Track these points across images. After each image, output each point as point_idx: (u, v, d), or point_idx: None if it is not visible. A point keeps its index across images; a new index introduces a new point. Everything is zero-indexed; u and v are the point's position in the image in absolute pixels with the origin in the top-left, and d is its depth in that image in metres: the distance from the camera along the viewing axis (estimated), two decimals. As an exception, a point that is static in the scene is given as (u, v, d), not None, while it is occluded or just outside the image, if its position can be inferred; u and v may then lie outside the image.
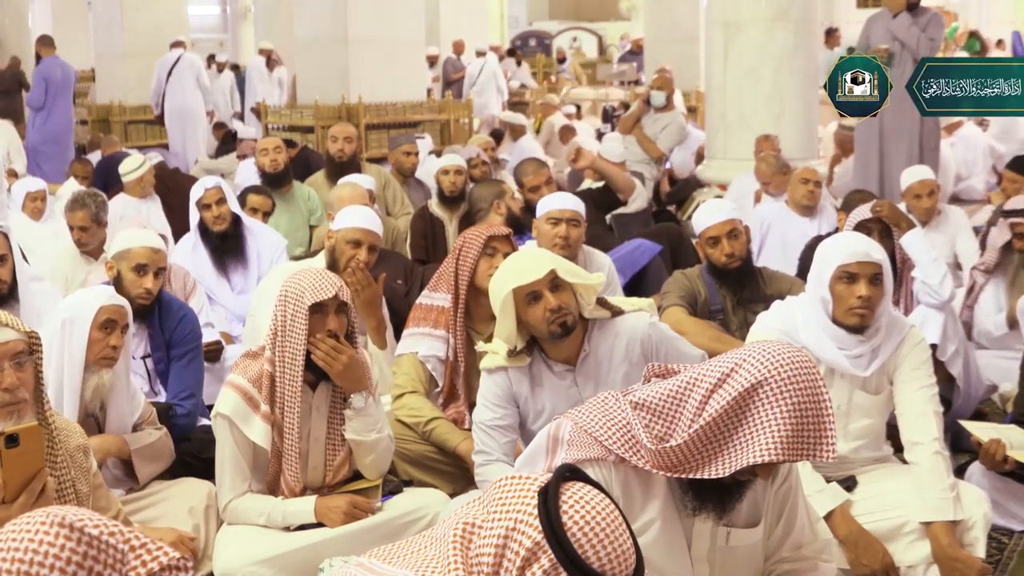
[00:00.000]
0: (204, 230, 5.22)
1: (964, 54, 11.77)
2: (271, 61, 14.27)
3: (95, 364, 3.14)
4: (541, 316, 2.96)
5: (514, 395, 3.16)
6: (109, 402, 3.20)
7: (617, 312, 3.13)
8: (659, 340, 3.14)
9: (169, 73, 11.62)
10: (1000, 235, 4.68)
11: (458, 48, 15.49)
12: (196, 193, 5.25)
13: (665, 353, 3.12)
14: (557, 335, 2.99)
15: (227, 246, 5.21)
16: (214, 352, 4.49)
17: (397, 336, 4.11)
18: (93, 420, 3.21)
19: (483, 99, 13.40)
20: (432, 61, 15.29)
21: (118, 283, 3.81)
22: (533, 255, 3.09)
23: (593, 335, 3.10)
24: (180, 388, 3.77)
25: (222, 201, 5.20)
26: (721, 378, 2.13)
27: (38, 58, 10.79)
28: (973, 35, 13.34)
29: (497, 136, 10.46)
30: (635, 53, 16.63)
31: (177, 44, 11.95)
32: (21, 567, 1.47)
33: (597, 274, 3.18)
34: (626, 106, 12.83)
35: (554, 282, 2.95)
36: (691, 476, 2.15)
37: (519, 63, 18.12)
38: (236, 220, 5.27)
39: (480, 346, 3.32)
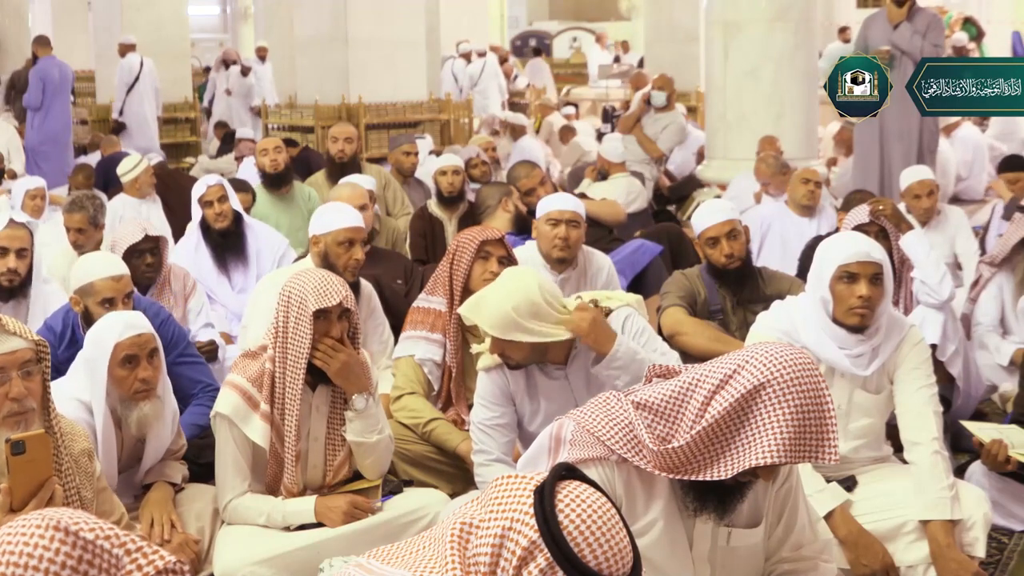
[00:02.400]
0: (205, 228, 5.24)
1: (964, 36, 11.76)
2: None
3: (131, 400, 3.01)
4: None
5: (511, 393, 3.18)
6: (151, 430, 3.09)
7: (606, 313, 3.16)
8: (632, 330, 3.19)
9: (136, 80, 11.84)
10: (1016, 231, 4.64)
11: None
12: (199, 190, 5.27)
13: (645, 343, 3.18)
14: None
15: (228, 244, 5.24)
16: (210, 352, 4.48)
17: (394, 339, 4.11)
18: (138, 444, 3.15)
19: (484, 100, 13.39)
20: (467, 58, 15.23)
21: (87, 317, 3.63)
22: (494, 311, 2.98)
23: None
24: (202, 385, 3.77)
25: (224, 199, 5.23)
26: (723, 379, 2.13)
27: (35, 58, 10.81)
28: (968, 20, 13.34)
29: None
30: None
31: (130, 48, 12.13)
32: (16, 571, 1.48)
33: (556, 330, 3.06)
34: (627, 106, 12.83)
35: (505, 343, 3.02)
36: (693, 478, 2.15)
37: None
38: (237, 218, 5.29)
39: (475, 347, 3.33)
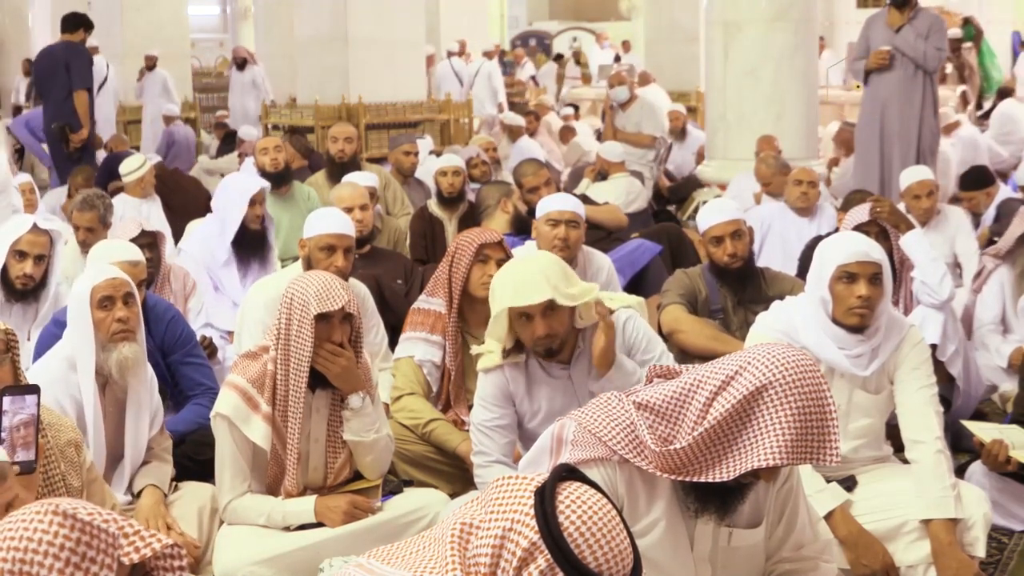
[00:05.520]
0: (241, 227, 5.25)
1: (959, 33, 11.77)
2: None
3: (111, 342, 3.11)
4: (530, 336, 3.04)
5: (511, 394, 3.18)
6: (131, 378, 3.15)
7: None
8: (633, 332, 3.22)
9: (104, 81, 12.00)
10: (1020, 224, 4.66)
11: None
12: (250, 189, 5.26)
13: (644, 347, 3.21)
14: (541, 356, 3.09)
15: (257, 244, 5.26)
16: (209, 349, 4.48)
17: (394, 339, 4.11)
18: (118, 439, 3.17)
19: (478, 103, 13.38)
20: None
21: None
22: (536, 274, 3.01)
23: (587, 333, 3.16)
24: (200, 382, 3.76)
25: (263, 201, 5.30)
26: (725, 381, 2.13)
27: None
28: (967, 21, 13.36)
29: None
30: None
31: (94, 51, 12.20)
32: (16, 555, 1.50)
33: (591, 285, 3.18)
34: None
35: (548, 309, 2.99)
36: (695, 479, 2.16)
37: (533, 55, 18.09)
38: (262, 220, 5.35)
39: (475, 349, 3.34)
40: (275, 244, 5.49)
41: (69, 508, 1.54)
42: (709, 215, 4.17)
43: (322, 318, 2.99)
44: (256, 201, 5.24)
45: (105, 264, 3.34)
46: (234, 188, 5.34)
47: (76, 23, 8.61)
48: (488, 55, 14.52)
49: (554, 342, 3.03)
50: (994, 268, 4.73)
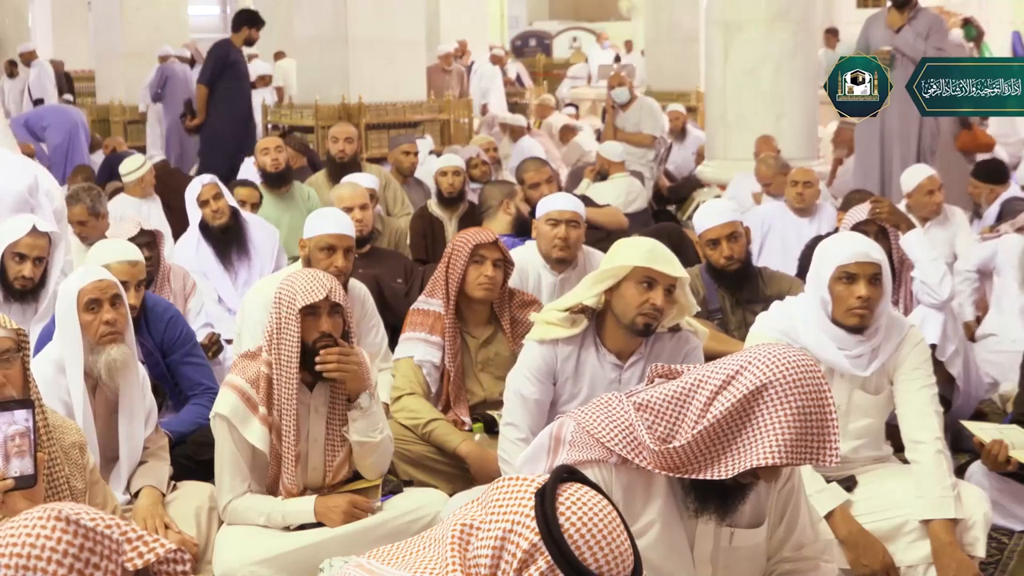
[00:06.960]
0: (205, 227, 5.28)
1: (959, 32, 11.77)
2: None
3: (99, 344, 3.09)
4: (638, 303, 3.02)
5: (556, 372, 3.19)
6: (121, 379, 3.13)
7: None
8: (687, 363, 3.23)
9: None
10: None
11: (460, 49, 15.39)
12: (194, 190, 5.34)
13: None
14: (637, 329, 3.06)
15: (229, 239, 5.29)
16: (214, 347, 4.48)
17: (394, 339, 4.11)
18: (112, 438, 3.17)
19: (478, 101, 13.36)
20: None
21: None
22: (671, 253, 3.09)
23: (650, 340, 3.18)
24: (199, 383, 3.76)
25: (219, 196, 5.30)
26: (726, 380, 2.14)
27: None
28: (967, 21, 13.35)
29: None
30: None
31: (32, 55, 12.17)
32: (19, 561, 1.50)
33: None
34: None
35: (670, 288, 3.03)
36: (693, 477, 2.16)
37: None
38: (235, 213, 5.35)
39: (533, 316, 3.34)
40: (266, 234, 5.49)
41: (72, 514, 1.54)
42: (705, 218, 4.17)
43: (309, 311, 3.00)
44: (207, 198, 5.26)
45: (95, 265, 3.32)
46: (188, 193, 5.42)
47: (238, 22, 8.90)
48: (496, 60, 14.52)
49: (659, 319, 3.05)
50: (1007, 233, 4.80)
